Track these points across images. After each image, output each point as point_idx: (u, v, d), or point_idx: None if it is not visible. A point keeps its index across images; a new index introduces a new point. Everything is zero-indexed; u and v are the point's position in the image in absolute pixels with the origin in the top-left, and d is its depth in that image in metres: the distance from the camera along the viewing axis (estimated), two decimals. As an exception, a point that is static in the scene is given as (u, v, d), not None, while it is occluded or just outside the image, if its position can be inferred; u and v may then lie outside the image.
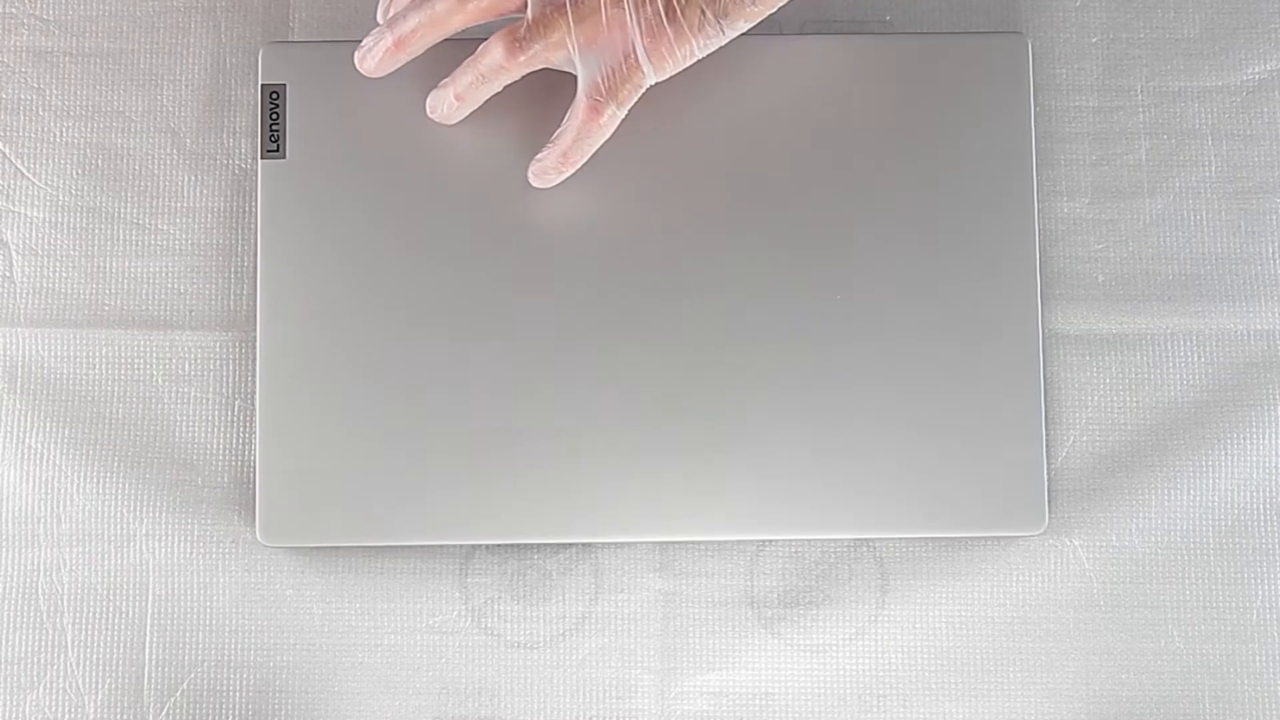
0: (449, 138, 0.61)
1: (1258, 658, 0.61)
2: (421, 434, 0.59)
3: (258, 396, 0.59)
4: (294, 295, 0.60)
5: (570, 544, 0.62)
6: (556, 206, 0.60)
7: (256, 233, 0.61)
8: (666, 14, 0.54)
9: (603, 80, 0.56)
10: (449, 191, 0.60)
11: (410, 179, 0.60)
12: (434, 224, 0.60)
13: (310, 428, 0.59)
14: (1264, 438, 0.62)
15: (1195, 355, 0.63)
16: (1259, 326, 0.63)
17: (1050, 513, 0.61)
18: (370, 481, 0.59)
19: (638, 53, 0.55)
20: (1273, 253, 0.63)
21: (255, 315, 0.61)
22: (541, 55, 0.56)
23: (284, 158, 0.61)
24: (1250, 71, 0.64)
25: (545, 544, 0.62)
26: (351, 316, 0.59)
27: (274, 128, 0.61)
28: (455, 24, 0.57)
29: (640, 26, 0.55)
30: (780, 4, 0.55)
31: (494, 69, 0.57)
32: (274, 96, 0.61)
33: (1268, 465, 0.62)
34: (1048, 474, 0.61)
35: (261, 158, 0.61)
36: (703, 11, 0.55)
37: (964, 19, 0.65)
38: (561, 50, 0.56)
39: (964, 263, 0.60)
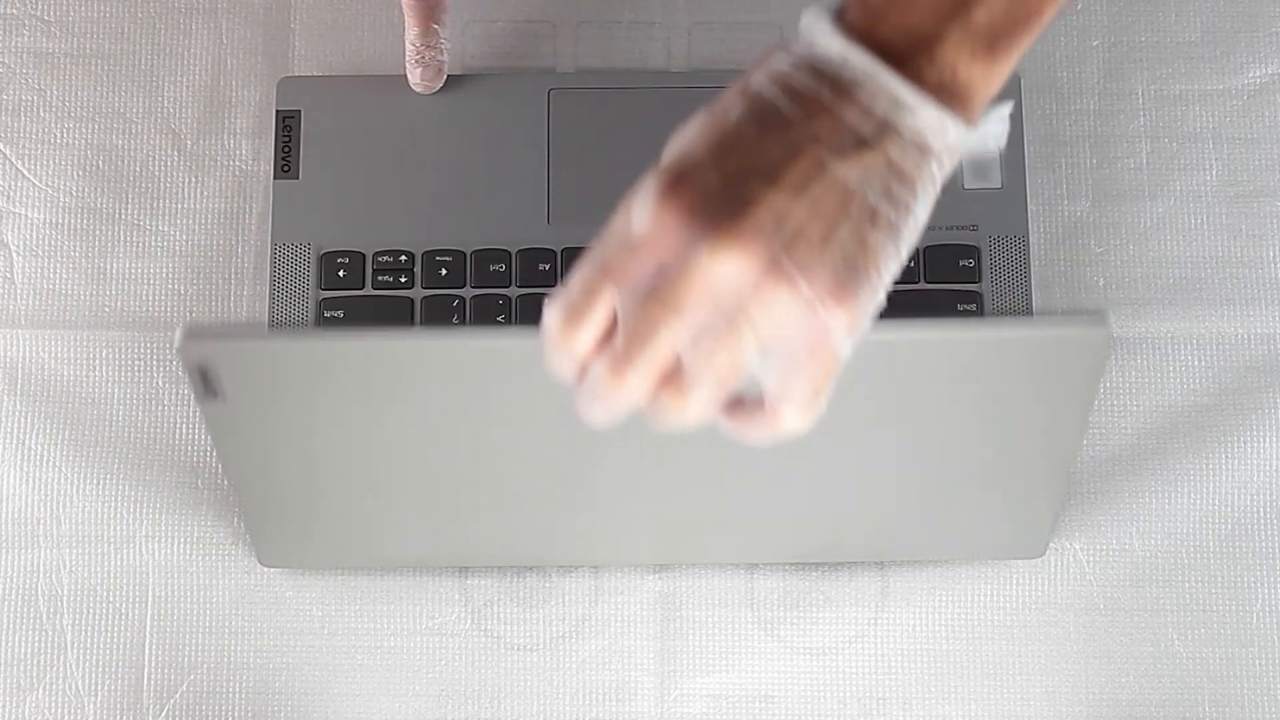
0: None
1: (1257, 661, 0.61)
2: (417, 458, 0.57)
3: None
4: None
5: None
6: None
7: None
8: (848, 267, 0.37)
9: (801, 384, 0.39)
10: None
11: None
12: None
13: (305, 449, 0.57)
14: (1265, 441, 0.62)
15: (1196, 359, 0.63)
16: (1260, 330, 0.63)
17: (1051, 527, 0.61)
18: (367, 506, 0.57)
19: (831, 334, 0.37)
20: (1273, 256, 0.63)
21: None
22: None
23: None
24: (1251, 75, 0.64)
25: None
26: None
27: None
28: None
29: (819, 296, 0.37)
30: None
31: (599, 391, 0.40)
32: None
33: (1268, 469, 0.62)
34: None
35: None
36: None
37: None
38: None
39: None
